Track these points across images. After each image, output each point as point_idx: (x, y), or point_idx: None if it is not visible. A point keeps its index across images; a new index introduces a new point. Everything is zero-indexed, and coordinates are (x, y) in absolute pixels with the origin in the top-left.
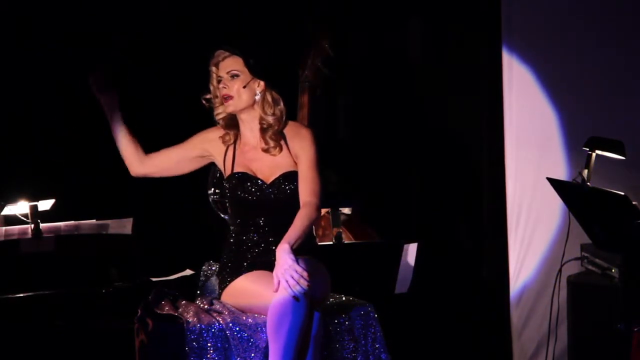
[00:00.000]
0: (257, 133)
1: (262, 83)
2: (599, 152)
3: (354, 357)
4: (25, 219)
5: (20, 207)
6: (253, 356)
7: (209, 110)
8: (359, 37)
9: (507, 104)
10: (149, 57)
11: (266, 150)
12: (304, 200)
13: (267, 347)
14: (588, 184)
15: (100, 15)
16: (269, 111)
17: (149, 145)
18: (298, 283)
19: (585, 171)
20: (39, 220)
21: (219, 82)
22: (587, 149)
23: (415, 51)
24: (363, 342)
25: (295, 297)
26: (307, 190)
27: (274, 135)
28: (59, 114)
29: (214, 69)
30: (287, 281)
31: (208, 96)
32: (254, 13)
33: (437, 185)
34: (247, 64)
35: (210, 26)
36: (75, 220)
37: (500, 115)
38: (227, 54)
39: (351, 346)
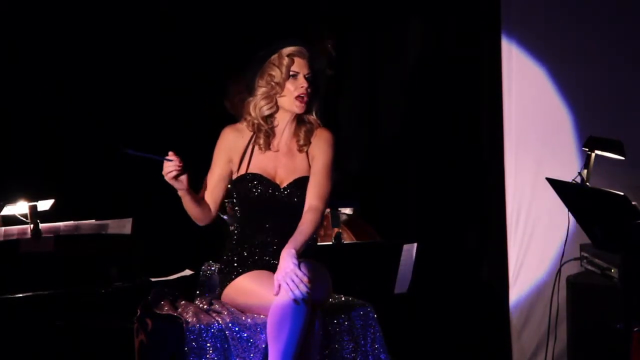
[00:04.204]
0: (288, 133)
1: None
2: (598, 152)
3: (353, 357)
4: (24, 219)
5: (19, 207)
6: (252, 356)
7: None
8: (360, 37)
9: (506, 104)
10: (150, 59)
11: (301, 146)
12: (310, 204)
13: (266, 348)
14: (587, 184)
15: (98, 14)
16: (315, 109)
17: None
18: (298, 287)
19: (585, 171)
20: (38, 220)
21: (291, 76)
22: (587, 149)
23: (415, 50)
24: (362, 342)
25: (295, 301)
26: (315, 193)
27: (309, 132)
28: (59, 113)
29: (287, 60)
30: (287, 284)
31: (274, 83)
32: (255, 14)
33: (437, 185)
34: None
35: (210, 28)
36: (74, 220)
37: (500, 115)
38: (307, 53)
39: (350, 346)
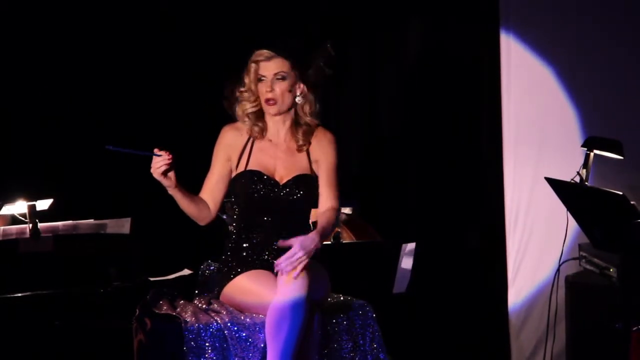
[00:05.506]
0: (284, 131)
1: (302, 85)
2: (597, 151)
3: (352, 356)
4: (23, 219)
5: (18, 207)
6: (251, 356)
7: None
8: (360, 37)
9: (505, 103)
10: (150, 59)
11: (300, 147)
12: (328, 206)
13: (265, 347)
14: (586, 183)
15: (98, 14)
16: (309, 110)
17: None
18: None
19: (584, 171)
20: (37, 220)
21: (259, 80)
22: (585, 149)
23: (415, 50)
24: (361, 341)
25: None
26: (329, 195)
27: (307, 132)
28: (59, 113)
29: (253, 65)
30: (300, 250)
31: (243, 89)
32: (255, 14)
33: (437, 185)
34: (298, 69)
35: (210, 28)
36: (73, 219)
37: (499, 114)
38: (271, 54)
39: (349, 346)
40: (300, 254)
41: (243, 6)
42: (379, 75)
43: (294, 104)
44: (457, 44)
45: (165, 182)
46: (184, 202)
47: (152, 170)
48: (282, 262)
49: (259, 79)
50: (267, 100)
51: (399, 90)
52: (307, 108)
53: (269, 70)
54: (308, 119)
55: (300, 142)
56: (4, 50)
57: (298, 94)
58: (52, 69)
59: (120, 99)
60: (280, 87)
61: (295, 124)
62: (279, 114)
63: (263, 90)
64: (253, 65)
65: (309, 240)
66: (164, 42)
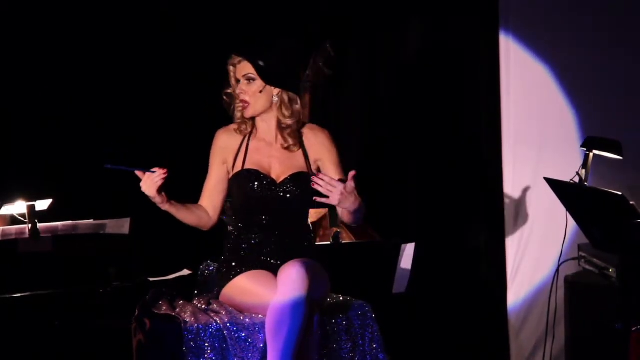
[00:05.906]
0: (274, 131)
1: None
2: (596, 152)
3: (351, 357)
4: (22, 219)
5: (17, 207)
6: (250, 356)
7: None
8: (360, 37)
9: (504, 103)
10: (150, 59)
11: (286, 148)
12: None
13: (264, 347)
14: (585, 183)
15: (99, 14)
16: (287, 113)
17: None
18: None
19: (583, 171)
20: (36, 220)
21: (237, 82)
22: (585, 149)
23: (414, 50)
24: (361, 342)
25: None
26: None
27: (292, 134)
28: (59, 113)
29: (231, 68)
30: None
31: (229, 90)
32: (255, 14)
33: (437, 185)
34: (257, 71)
35: (210, 28)
36: (73, 220)
37: (498, 114)
38: (239, 57)
39: (349, 346)
40: (339, 188)
41: (243, 6)
42: (379, 75)
43: (274, 105)
44: (457, 44)
45: (157, 199)
46: (179, 214)
47: (145, 188)
48: (323, 177)
49: (237, 81)
50: (240, 102)
51: (398, 90)
52: (283, 109)
53: (239, 73)
54: (287, 120)
55: (291, 142)
56: (4, 50)
57: (275, 94)
58: (52, 69)
59: (120, 99)
60: (250, 88)
61: (278, 125)
62: (253, 115)
63: (237, 92)
64: (231, 68)
65: (354, 198)
66: (164, 42)
